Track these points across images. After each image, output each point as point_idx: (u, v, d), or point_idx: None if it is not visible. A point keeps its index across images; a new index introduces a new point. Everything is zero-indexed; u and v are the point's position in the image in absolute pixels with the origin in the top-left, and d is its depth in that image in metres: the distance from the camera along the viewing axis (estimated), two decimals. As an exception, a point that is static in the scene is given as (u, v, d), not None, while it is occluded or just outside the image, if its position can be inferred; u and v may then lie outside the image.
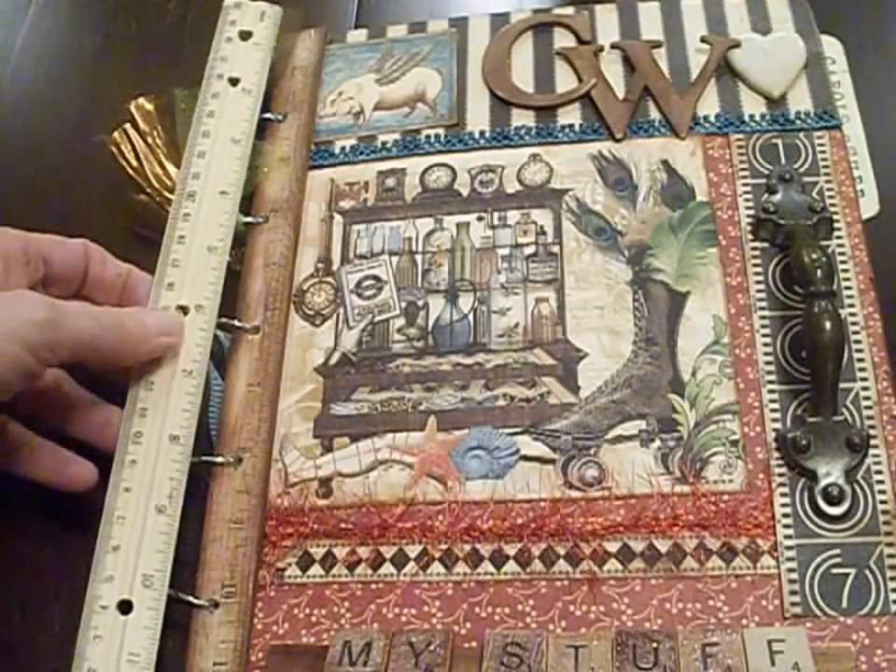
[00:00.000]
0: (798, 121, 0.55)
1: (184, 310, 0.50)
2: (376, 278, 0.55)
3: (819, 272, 0.47)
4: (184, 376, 0.49)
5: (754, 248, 0.52)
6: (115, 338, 0.46)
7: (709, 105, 0.57)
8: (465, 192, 0.57)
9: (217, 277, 0.51)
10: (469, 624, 0.45)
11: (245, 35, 0.59)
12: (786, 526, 0.45)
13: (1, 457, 0.49)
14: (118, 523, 0.46)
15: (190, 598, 0.46)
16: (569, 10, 0.62)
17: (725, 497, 0.46)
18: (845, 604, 0.43)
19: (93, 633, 0.44)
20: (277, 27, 0.60)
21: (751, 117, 0.56)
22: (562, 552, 0.46)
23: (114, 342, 0.46)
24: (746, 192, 0.53)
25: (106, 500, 0.46)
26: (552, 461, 0.48)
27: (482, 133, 0.58)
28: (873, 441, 0.46)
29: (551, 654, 0.42)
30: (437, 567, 0.46)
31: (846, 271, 0.50)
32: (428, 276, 0.54)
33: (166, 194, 0.57)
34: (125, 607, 0.44)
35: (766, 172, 0.54)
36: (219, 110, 0.56)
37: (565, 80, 0.59)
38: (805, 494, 0.45)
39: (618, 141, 0.56)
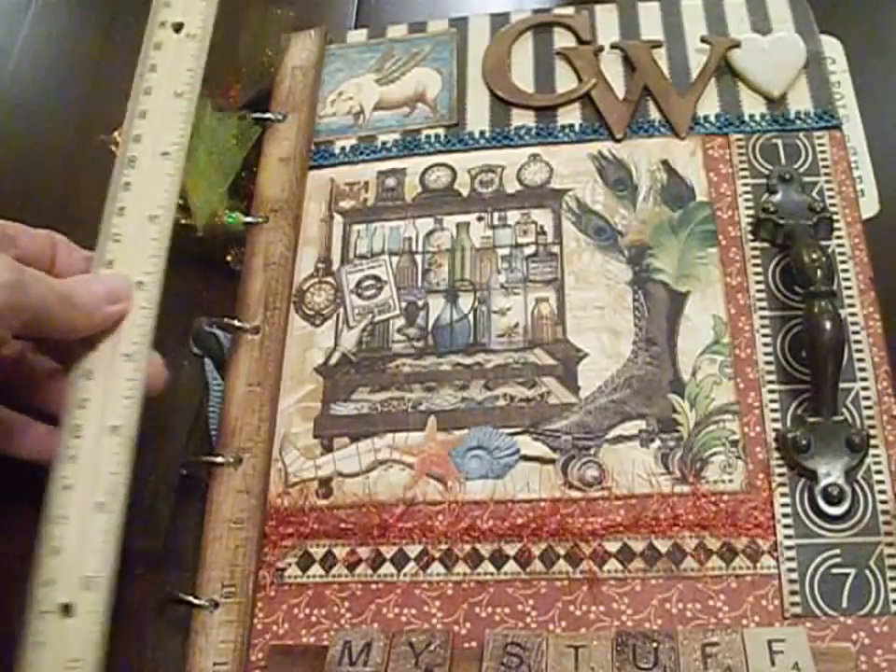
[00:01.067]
0: (798, 121, 0.55)
1: None
2: (376, 278, 0.55)
3: (818, 272, 0.47)
4: (124, 360, 0.45)
5: (754, 248, 0.52)
6: (66, 308, 0.44)
7: (709, 104, 0.57)
8: (465, 192, 0.57)
9: (159, 249, 0.48)
10: (468, 624, 0.45)
11: None
12: (786, 526, 0.45)
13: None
14: (58, 523, 0.43)
15: (190, 598, 0.46)
16: (569, 10, 0.62)
17: (725, 497, 0.46)
18: (845, 604, 0.43)
19: (35, 639, 0.41)
20: None
21: (751, 117, 0.56)
22: (562, 552, 0.46)
23: (65, 312, 0.45)
24: (746, 192, 0.53)
25: (46, 499, 0.44)
26: (552, 461, 0.48)
27: (482, 133, 0.58)
28: (873, 441, 0.46)
29: (551, 654, 0.42)
30: (437, 567, 0.46)
31: (846, 271, 0.50)
32: (428, 276, 0.54)
33: (166, 194, 0.57)
34: (67, 610, 0.41)
35: (766, 172, 0.54)
36: (162, 62, 0.51)
37: (565, 80, 0.59)
38: (805, 494, 0.45)
39: (618, 141, 0.56)
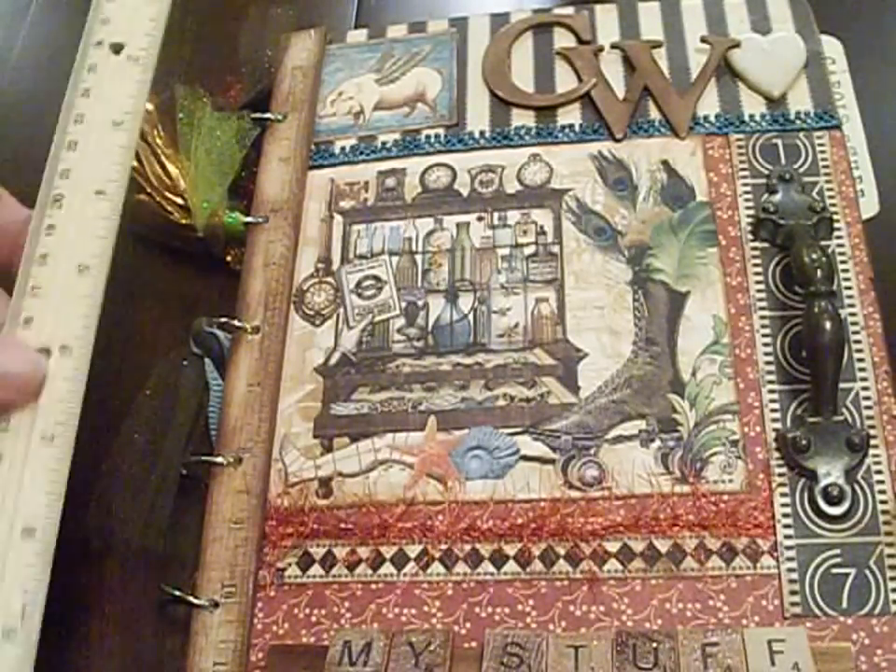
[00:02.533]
0: (798, 121, 0.55)
1: (45, 353, 0.39)
2: (376, 278, 0.55)
3: (819, 272, 0.47)
4: (43, 444, 0.38)
5: (754, 248, 0.52)
6: None
7: (709, 104, 0.57)
8: (465, 192, 0.57)
9: (91, 307, 0.40)
10: (468, 624, 0.45)
11: None
12: (786, 526, 0.45)
13: None
14: None
15: (190, 598, 0.46)
16: (569, 10, 0.62)
17: (725, 497, 0.46)
18: (845, 604, 0.43)
19: None
20: None
21: (751, 117, 0.56)
22: (562, 552, 0.46)
23: None
24: (746, 192, 0.53)
25: None
26: (552, 461, 0.48)
27: (482, 133, 0.58)
28: (873, 441, 0.46)
29: (551, 654, 0.42)
30: (437, 567, 0.46)
31: (846, 271, 0.50)
32: (428, 276, 0.54)
33: (166, 194, 0.57)
34: None
35: (766, 172, 0.54)
36: (97, 87, 0.44)
37: (565, 80, 0.59)
38: (805, 494, 0.45)
39: (618, 141, 0.56)
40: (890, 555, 0.44)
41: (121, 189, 0.43)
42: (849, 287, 0.50)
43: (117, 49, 0.45)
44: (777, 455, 0.46)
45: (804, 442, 0.46)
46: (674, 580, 0.45)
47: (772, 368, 0.49)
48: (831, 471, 0.45)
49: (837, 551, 0.44)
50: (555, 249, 0.54)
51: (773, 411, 0.48)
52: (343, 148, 0.59)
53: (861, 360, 0.48)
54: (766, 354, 0.49)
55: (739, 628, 0.43)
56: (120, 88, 0.44)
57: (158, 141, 0.58)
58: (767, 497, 0.46)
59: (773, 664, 0.41)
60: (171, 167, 0.57)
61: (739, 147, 0.55)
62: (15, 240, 0.43)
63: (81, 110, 0.44)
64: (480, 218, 0.56)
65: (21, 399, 0.38)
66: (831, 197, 0.52)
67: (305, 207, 0.57)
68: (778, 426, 0.47)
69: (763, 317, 0.50)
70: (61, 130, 0.44)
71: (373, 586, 0.46)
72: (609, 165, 0.56)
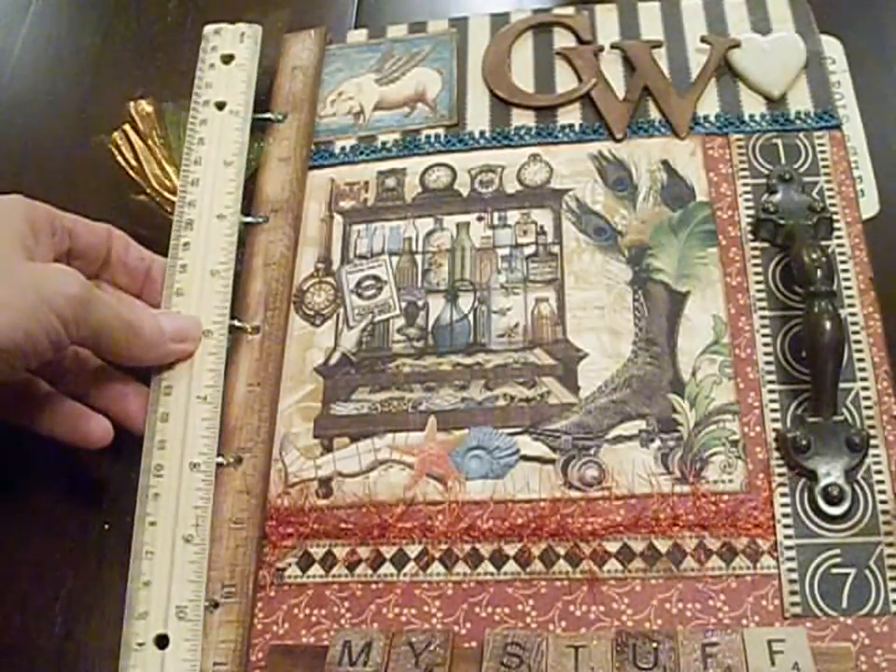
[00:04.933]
0: (798, 121, 0.55)
1: None
2: (376, 278, 0.55)
3: (818, 272, 0.47)
4: (198, 402, 0.49)
5: (754, 248, 0.52)
6: (129, 336, 0.47)
7: (709, 104, 0.57)
8: (465, 192, 0.57)
9: (223, 300, 0.51)
10: (468, 624, 0.45)
11: (227, 59, 0.59)
12: (786, 526, 0.45)
13: (25, 414, 0.49)
14: (146, 558, 0.46)
15: (190, 598, 0.46)
16: (569, 10, 0.62)
17: (725, 497, 0.46)
18: (845, 604, 0.43)
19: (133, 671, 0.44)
20: (258, 45, 0.60)
21: (751, 117, 0.56)
22: (562, 552, 0.46)
23: (128, 339, 0.47)
24: (746, 192, 0.53)
25: (133, 536, 0.46)
26: (552, 461, 0.48)
27: (482, 133, 0.58)
28: (873, 441, 0.46)
29: (551, 654, 0.42)
30: (437, 567, 0.46)
31: (846, 271, 0.50)
32: (428, 276, 0.54)
33: (166, 194, 0.57)
34: (162, 641, 0.44)
35: (766, 172, 0.54)
36: (209, 136, 0.56)
37: (565, 80, 0.59)
38: (805, 494, 0.45)
39: (618, 141, 0.56)
40: (890, 555, 0.44)
41: (236, 213, 0.54)
42: (849, 287, 0.50)
43: (220, 106, 0.57)
44: (776, 454, 0.47)
45: (804, 442, 0.46)
46: (674, 580, 0.45)
47: (772, 368, 0.49)
48: (831, 471, 0.45)
49: (837, 551, 0.44)
50: (555, 249, 0.54)
51: (773, 411, 0.48)
52: (342, 148, 0.59)
53: (861, 360, 0.48)
54: (766, 354, 0.49)
55: (739, 628, 0.43)
56: (227, 135, 0.56)
57: (157, 142, 0.58)
58: (767, 497, 0.46)
59: (773, 664, 0.41)
60: (170, 168, 0.58)
61: (739, 147, 0.55)
62: (144, 275, 0.53)
63: (199, 154, 0.56)
64: (480, 218, 0.56)
65: (195, 347, 0.50)
66: (831, 197, 0.52)
67: (305, 207, 0.57)
68: (778, 426, 0.47)
69: (763, 317, 0.50)
70: (184, 170, 0.55)
71: (373, 586, 0.46)
72: (608, 165, 0.56)
